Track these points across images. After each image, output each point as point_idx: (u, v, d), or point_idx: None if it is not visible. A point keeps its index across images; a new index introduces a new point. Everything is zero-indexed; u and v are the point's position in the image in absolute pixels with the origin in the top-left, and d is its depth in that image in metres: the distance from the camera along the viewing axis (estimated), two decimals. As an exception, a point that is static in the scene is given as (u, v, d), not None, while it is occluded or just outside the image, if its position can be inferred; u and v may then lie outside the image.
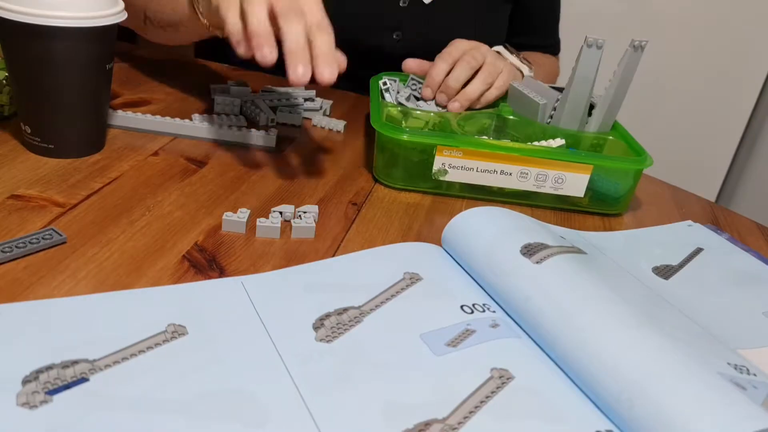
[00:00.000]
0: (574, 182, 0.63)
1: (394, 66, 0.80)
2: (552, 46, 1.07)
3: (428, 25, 0.91)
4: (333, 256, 0.51)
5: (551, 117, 0.71)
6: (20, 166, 0.57)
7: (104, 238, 0.49)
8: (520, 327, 0.45)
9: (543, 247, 0.47)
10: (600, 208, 0.65)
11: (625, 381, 0.37)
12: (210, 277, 0.46)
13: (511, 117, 0.73)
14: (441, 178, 0.62)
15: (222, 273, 0.47)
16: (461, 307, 0.46)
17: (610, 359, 0.38)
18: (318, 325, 0.42)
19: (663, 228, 0.64)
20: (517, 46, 0.88)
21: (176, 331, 0.40)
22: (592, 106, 0.71)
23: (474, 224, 0.51)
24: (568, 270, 0.45)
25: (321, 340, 0.41)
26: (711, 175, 1.60)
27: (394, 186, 0.64)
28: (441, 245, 0.53)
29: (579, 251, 0.50)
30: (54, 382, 0.35)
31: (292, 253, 0.51)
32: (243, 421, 0.34)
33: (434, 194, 0.64)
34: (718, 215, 0.70)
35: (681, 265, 0.57)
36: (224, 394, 0.36)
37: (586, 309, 0.42)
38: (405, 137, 0.61)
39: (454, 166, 0.62)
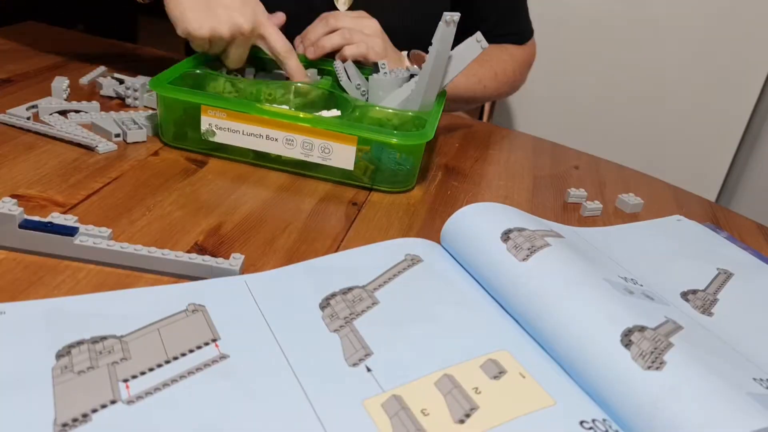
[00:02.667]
0: (341, 153, 0.61)
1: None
2: (515, 34, 0.99)
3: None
4: (333, 255, 0.51)
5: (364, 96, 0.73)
6: (21, 166, 0.57)
7: (104, 238, 0.49)
8: (520, 325, 0.45)
9: (521, 230, 0.48)
10: (383, 185, 0.64)
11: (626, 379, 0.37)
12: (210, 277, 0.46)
13: (331, 90, 0.72)
14: (210, 139, 0.63)
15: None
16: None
17: (606, 359, 0.38)
18: (324, 304, 0.43)
19: (652, 222, 0.64)
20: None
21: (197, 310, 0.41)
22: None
23: (469, 222, 0.51)
24: (555, 267, 0.45)
25: (328, 320, 0.41)
26: (711, 175, 1.60)
27: (171, 145, 0.65)
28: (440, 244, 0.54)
29: (557, 235, 0.50)
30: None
31: (292, 253, 0.51)
32: (245, 419, 0.34)
33: (214, 156, 0.64)
34: (718, 215, 0.70)
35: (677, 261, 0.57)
36: (226, 391, 0.36)
37: (577, 308, 0.42)
38: (168, 94, 0.62)
39: (220, 127, 0.62)
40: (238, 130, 0.62)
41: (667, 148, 1.59)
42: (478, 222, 0.51)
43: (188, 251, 0.49)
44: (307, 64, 0.77)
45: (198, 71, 0.70)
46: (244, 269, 0.48)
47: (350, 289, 0.45)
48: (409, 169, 0.64)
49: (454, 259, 0.51)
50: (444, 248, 0.53)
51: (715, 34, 1.47)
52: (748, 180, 1.61)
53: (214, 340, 0.40)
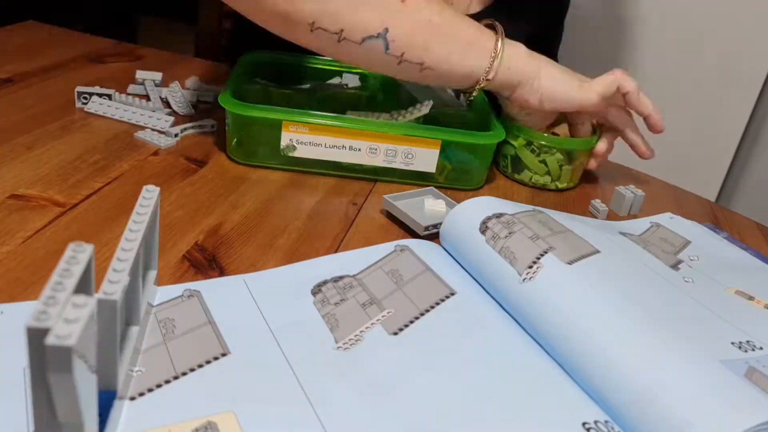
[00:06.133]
0: (424, 157, 0.63)
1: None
2: None
3: None
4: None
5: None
6: (21, 166, 0.57)
7: (104, 238, 0.49)
8: (518, 322, 0.45)
9: (499, 215, 0.50)
10: (456, 184, 0.66)
11: (626, 378, 0.37)
12: (210, 277, 0.46)
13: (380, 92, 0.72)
14: (290, 155, 0.62)
15: (222, 272, 0.47)
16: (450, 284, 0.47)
17: (611, 361, 0.38)
18: (316, 290, 0.45)
19: (644, 220, 0.64)
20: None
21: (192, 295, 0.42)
22: None
23: (458, 219, 0.52)
24: (554, 290, 0.45)
25: (321, 303, 0.42)
26: (711, 175, 1.60)
27: (247, 163, 0.64)
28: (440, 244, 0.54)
29: (539, 212, 0.52)
30: None
31: (292, 252, 0.51)
32: (245, 413, 0.34)
33: (289, 171, 0.63)
34: (718, 215, 0.70)
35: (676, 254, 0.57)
36: (226, 385, 0.36)
37: (587, 319, 0.42)
38: (251, 113, 0.61)
39: (302, 141, 0.61)
40: (320, 144, 0.61)
41: (667, 148, 1.58)
42: (464, 218, 0.51)
43: (188, 251, 0.49)
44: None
45: (258, 85, 0.69)
46: (243, 270, 0.48)
47: (341, 277, 0.47)
48: (479, 167, 0.66)
49: (453, 258, 0.51)
50: (444, 248, 0.53)
51: (715, 34, 1.47)
52: (748, 180, 1.61)
53: (224, 355, 0.40)
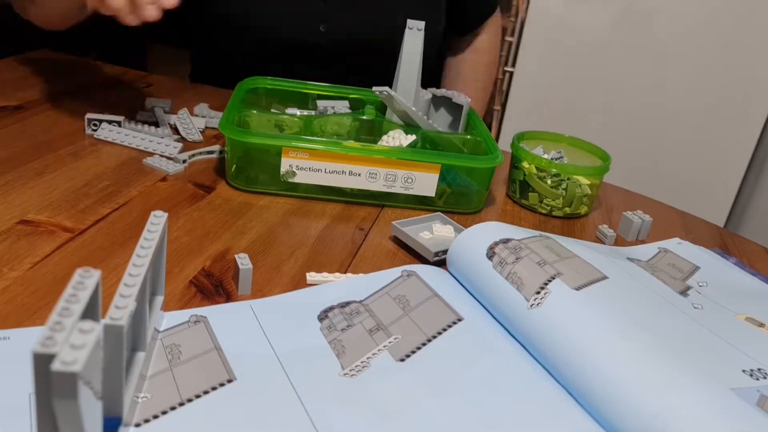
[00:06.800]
0: (424, 181, 0.63)
1: (322, 59, 0.80)
2: (490, 12, 1.07)
3: (353, 16, 0.89)
4: (340, 281, 0.51)
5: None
6: (30, 192, 0.57)
7: (112, 263, 0.49)
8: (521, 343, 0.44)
9: (506, 241, 0.49)
10: (456, 207, 0.66)
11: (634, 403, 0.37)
12: (216, 302, 0.46)
13: (377, 118, 0.73)
14: (291, 180, 0.62)
15: (229, 298, 0.47)
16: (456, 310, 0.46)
17: (620, 389, 0.38)
18: (322, 316, 0.45)
19: (652, 246, 0.63)
20: (457, 27, 0.99)
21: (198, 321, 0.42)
22: (457, 106, 0.74)
23: (464, 245, 0.52)
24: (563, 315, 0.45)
25: (328, 329, 0.41)
26: (719, 200, 1.59)
27: (247, 189, 0.64)
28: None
29: (546, 238, 0.51)
30: None
31: (299, 278, 0.51)
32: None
33: (289, 197, 0.64)
34: (726, 240, 0.70)
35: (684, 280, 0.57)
36: (232, 411, 0.36)
37: (591, 346, 0.41)
38: (251, 140, 0.61)
39: (301, 167, 0.62)
40: (320, 169, 0.62)
41: (675, 173, 1.58)
42: (471, 243, 0.51)
43: (195, 276, 0.49)
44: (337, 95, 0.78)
45: (255, 111, 0.70)
46: (250, 295, 0.48)
47: (348, 303, 0.47)
48: (478, 190, 0.66)
49: (460, 284, 0.51)
50: (451, 274, 0.53)
51: (722, 58, 1.47)
52: (757, 205, 1.60)
53: (230, 381, 0.39)
